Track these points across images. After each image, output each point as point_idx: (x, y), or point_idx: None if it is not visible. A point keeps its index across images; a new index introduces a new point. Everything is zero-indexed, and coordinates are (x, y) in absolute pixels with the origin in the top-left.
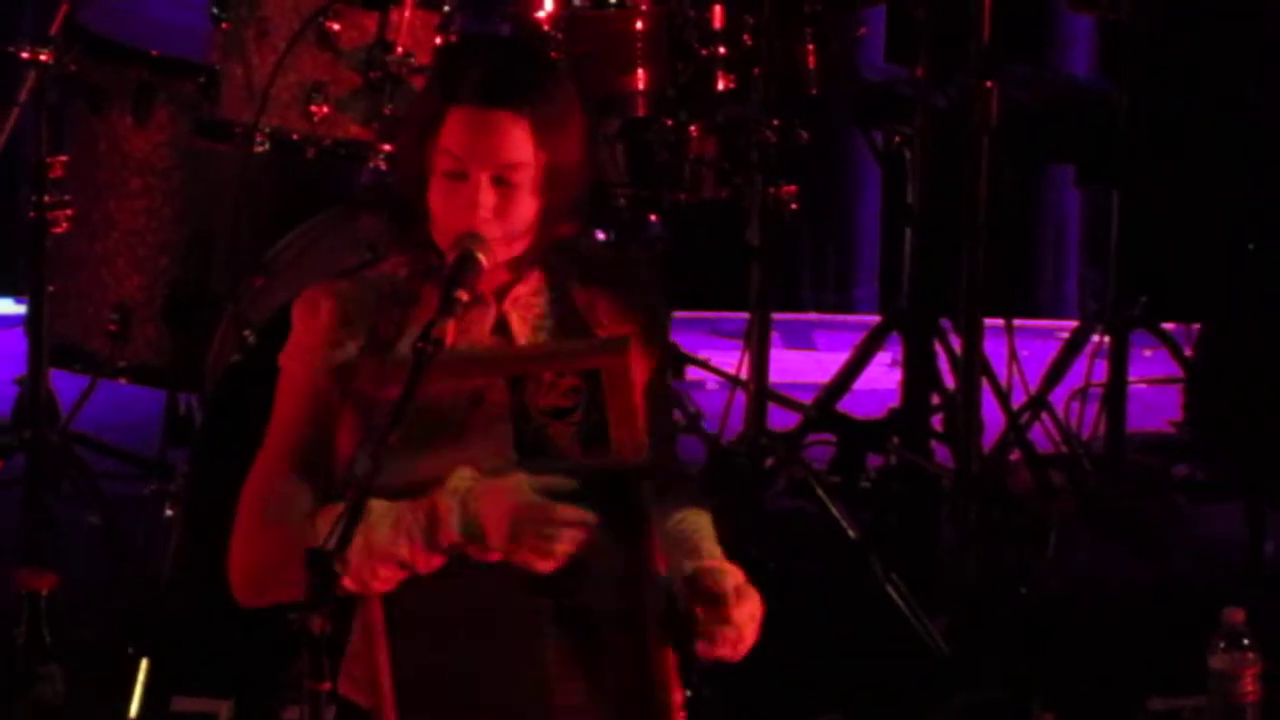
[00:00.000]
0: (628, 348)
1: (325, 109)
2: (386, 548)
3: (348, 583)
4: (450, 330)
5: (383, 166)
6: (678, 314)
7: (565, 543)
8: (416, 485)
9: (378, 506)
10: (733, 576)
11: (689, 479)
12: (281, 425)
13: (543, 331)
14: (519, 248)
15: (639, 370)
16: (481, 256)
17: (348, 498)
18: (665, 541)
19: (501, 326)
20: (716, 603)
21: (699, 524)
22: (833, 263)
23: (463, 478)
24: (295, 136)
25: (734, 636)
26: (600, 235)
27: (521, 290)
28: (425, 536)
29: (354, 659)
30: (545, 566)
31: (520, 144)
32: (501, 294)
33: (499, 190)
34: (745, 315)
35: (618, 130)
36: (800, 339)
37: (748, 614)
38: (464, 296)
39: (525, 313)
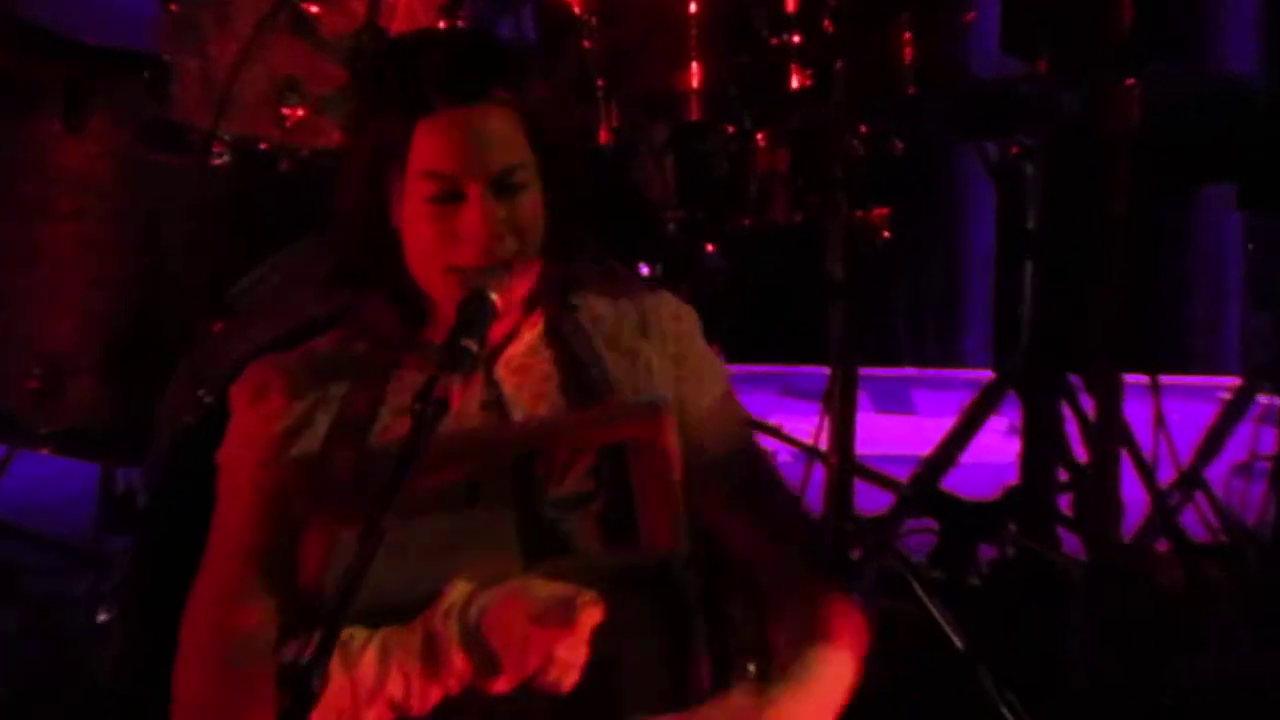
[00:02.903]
0: (661, 412)
1: (302, 111)
2: (374, 686)
3: None
4: (455, 390)
5: None
6: (739, 368)
7: (581, 649)
8: (402, 606)
9: (358, 636)
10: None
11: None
12: (227, 537)
13: (545, 401)
14: (536, 271)
15: (672, 438)
16: (495, 295)
17: (324, 609)
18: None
19: (494, 399)
20: None
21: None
22: (934, 304)
23: (460, 592)
24: (264, 146)
25: None
26: (644, 270)
27: (515, 350)
28: (423, 669)
29: None
30: (569, 682)
31: (514, 138)
32: (491, 358)
33: (503, 199)
34: (825, 370)
35: (666, 139)
36: (894, 400)
37: None
38: (474, 347)
39: (522, 379)
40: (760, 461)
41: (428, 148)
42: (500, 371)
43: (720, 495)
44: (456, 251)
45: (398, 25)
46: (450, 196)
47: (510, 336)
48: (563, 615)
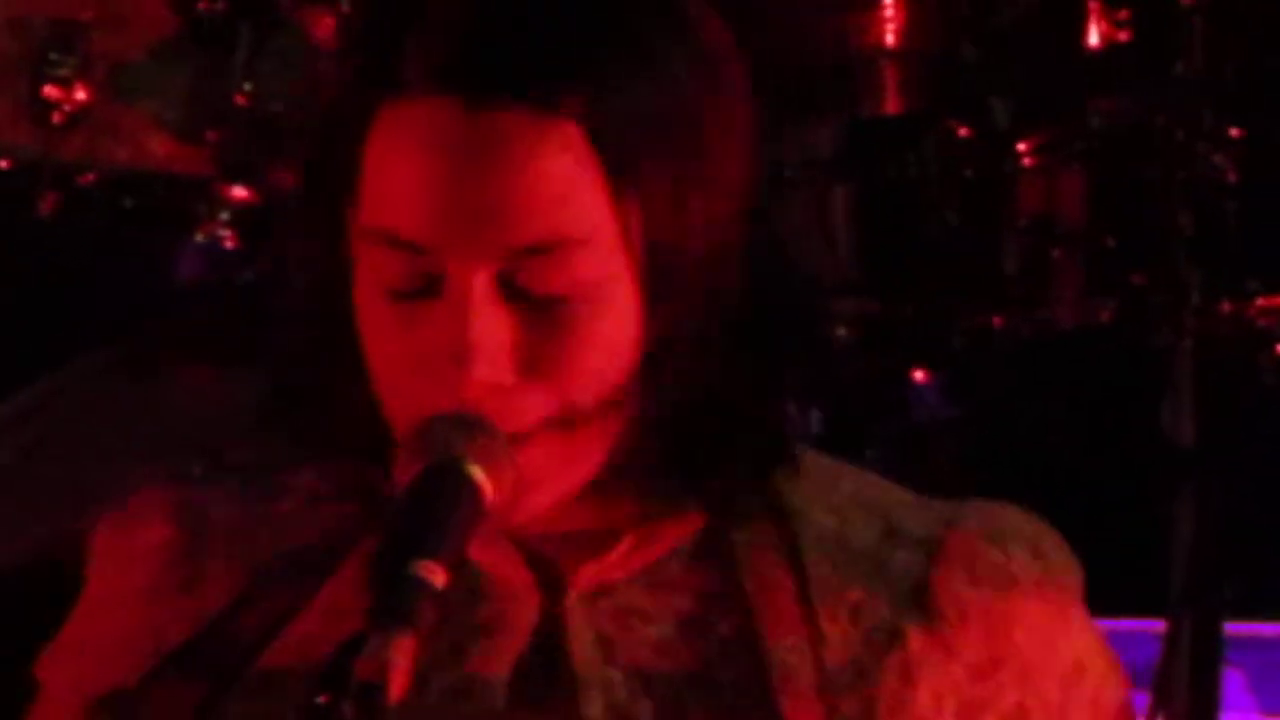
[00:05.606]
0: None
1: (83, 93)
2: None
3: None
4: (401, 664)
5: (229, 241)
6: None
7: None
8: None
9: None
10: None
11: None
12: None
13: (665, 660)
14: (597, 450)
15: None
16: (478, 473)
17: None
18: None
19: (547, 647)
20: None
21: None
22: None
23: None
24: (6, 164)
25: None
26: (816, 412)
27: (614, 570)
28: None
29: None
30: None
31: (573, 184)
32: (555, 581)
33: (521, 308)
34: (1158, 625)
35: (830, 156)
36: None
37: None
38: (437, 579)
39: (623, 630)
40: None
41: (380, 175)
42: (573, 602)
43: None
44: (418, 386)
45: None
46: (418, 289)
47: (607, 534)
48: None
